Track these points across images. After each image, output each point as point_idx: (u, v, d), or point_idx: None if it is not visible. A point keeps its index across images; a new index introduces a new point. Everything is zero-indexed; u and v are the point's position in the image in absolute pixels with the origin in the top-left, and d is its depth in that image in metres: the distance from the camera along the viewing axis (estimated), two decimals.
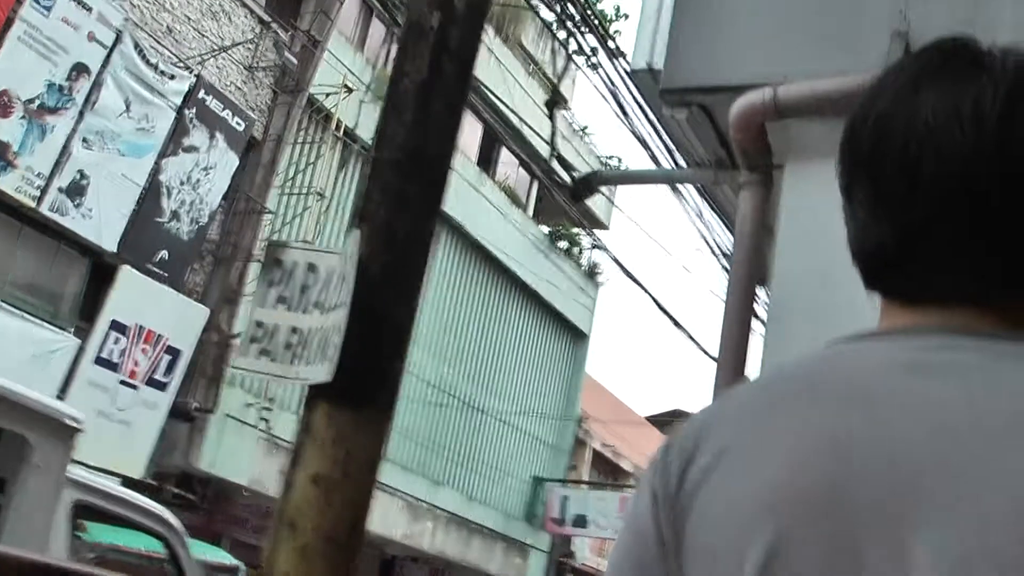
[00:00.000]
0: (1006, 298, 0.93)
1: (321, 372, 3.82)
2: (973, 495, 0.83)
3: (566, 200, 10.25)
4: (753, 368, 2.99)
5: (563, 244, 18.97)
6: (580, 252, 19.27)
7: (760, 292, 3.91)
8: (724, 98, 3.44)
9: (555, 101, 10.87)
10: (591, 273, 19.52)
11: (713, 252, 8.51)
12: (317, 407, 3.85)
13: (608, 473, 21.84)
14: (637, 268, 27.96)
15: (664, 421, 22.58)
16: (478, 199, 16.46)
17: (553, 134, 10.74)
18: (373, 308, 3.87)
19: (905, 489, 0.86)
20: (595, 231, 19.52)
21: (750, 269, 3.37)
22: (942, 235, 0.93)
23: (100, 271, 11.66)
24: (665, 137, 5.85)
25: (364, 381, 3.88)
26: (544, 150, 12.76)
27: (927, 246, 0.94)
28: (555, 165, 10.64)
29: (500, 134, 16.38)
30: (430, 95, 4.13)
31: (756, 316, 3.33)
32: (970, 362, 0.89)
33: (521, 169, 17.83)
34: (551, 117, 10.88)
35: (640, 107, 8.52)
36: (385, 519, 15.03)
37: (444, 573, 17.72)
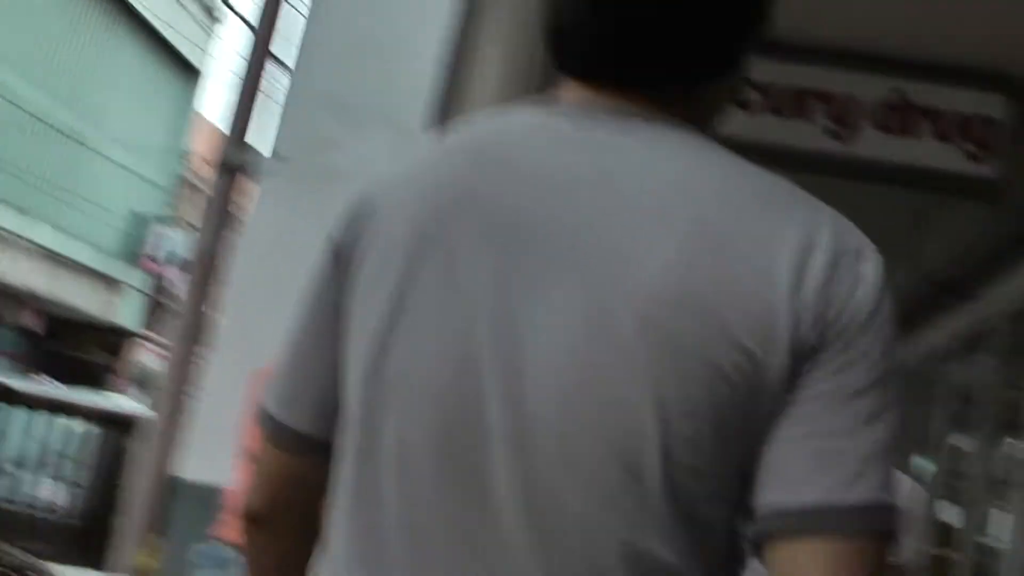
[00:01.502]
0: (671, 87, 1.00)
1: None
2: (598, 251, 0.93)
3: None
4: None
5: None
6: None
7: None
8: None
9: None
10: (208, 8, 18.57)
11: None
12: None
13: None
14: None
15: None
16: None
17: None
18: None
19: (529, 236, 0.95)
20: None
21: None
22: (623, 24, 0.97)
23: None
24: None
25: None
26: None
27: (615, 34, 0.98)
28: None
29: None
30: None
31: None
32: (610, 141, 0.97)
33: None
34: None
35: None
36: None
37: (31, 307, 17.06)
